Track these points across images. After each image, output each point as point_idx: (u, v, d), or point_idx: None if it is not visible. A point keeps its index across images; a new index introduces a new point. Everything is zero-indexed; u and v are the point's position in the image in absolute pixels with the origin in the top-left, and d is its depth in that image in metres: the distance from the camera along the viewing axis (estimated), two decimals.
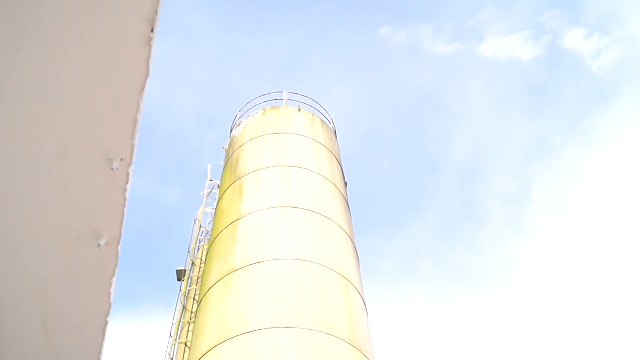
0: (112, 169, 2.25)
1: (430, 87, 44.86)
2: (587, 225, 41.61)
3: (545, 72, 43.74)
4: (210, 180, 18.29)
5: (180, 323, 14.03)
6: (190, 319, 13.54)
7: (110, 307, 2.60)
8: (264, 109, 17.35)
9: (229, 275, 12.22)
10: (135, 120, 2.19)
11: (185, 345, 13.10)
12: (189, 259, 16.07)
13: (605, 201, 41.68)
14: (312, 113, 17.48)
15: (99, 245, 2.40)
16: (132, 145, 2.23)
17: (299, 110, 17.21)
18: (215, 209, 15.61)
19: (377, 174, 43.53)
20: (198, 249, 17.05)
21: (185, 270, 15.85)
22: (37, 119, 2.15)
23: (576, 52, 42.34)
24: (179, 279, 16.17)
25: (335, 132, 18.06)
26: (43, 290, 2.49)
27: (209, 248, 14.04)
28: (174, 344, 13.61)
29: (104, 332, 2.66)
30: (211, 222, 16.20)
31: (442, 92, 45.17)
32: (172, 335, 13.78)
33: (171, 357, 13.28)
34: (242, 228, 13.28)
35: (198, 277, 14.97)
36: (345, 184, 16.43)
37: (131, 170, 2.29)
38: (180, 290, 15.06)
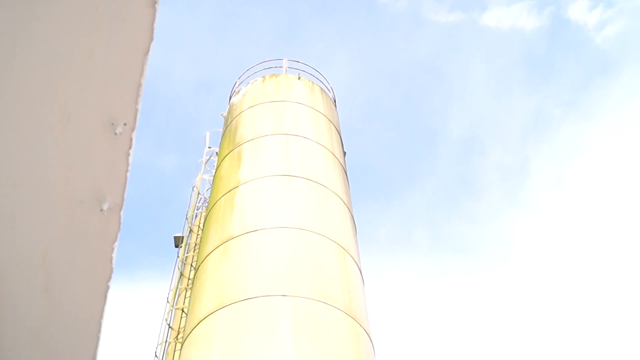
0: (116, 133, 2.24)
1: (430, 57, 44.61)
2: (585, 199, 41.73)
3: (548, 44, 43.47)
4: (209, 147, 18.25)
5: (178, 289, 14.10)
6: (188, 285, 13.62)
7: (111, 271, 2.60)
8: (263, 77, 17.24)
9: (227, 242, 12.26)
10: (139, 85, 2.17)
11: (182, 311, 13.18)
12: (186, 226, 16.10)
13: (603, 176, 41.75)
14: (312, 81, 17.36)
15: (101, 210, 2.39)
16: (136, 110, 2.21)
17: (299, 78, 17.09)
18: (214, 176, 15.60)
19: (375, 144, 43.50)
20: (196, 216, 17.07)
21: (183, 237, 15.89)
22: (41, 83, 2.12)
23: (580, 23, 42.05)
24: (176, 246, 16.22)
25: (335, 101, 17.97)
26: (45, 253, 2.49)
27: (207, 215, 14.06)
28: (171, 310, 13.71)
29: (105, 297, 2.66)
30: (209, 190, 16.19)
31: (442, 62, 44.93)
32: (169, 301, 13.87)
33: (168, 322, 13.39)
34: (240, 196, 13.28)
35: (196, 244, 15.02)
36: (344, 153, 16.39)
37: (134, 135, 2.27)
38: (178, 256, 15.11)
